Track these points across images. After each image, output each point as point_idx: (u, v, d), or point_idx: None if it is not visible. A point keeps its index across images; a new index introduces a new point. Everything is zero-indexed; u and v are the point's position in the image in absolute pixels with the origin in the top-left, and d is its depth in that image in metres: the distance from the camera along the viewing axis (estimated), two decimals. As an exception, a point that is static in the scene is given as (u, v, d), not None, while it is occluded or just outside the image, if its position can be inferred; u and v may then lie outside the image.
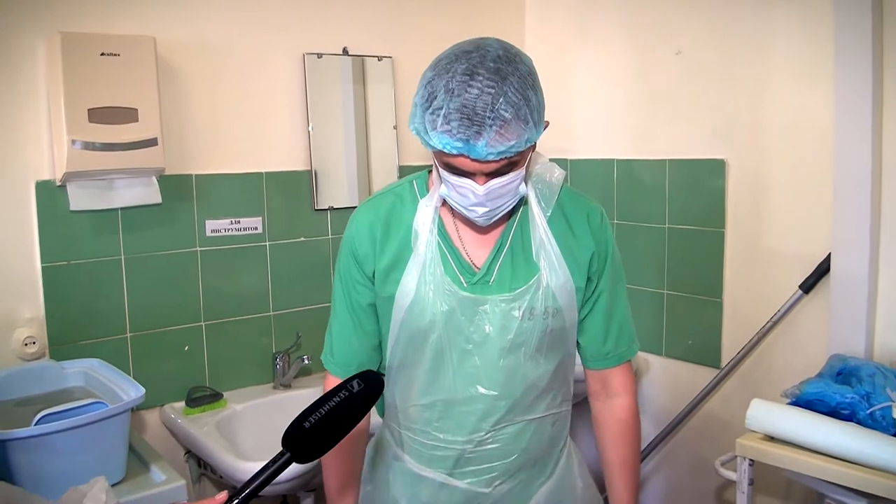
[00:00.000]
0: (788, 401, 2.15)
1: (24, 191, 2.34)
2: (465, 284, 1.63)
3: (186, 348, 2.66)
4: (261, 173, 2.78)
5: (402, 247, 1.66)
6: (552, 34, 3.42)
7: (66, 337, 2.41)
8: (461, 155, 1.44)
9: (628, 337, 1.78)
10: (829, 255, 2.49)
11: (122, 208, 2.48)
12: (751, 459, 2.11)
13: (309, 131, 2.87)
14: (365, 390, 1.28)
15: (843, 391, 2.06)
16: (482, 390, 1.64)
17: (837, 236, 2.44)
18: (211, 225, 2.68)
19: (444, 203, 1.65)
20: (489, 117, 1.40)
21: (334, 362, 1.76)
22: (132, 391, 2.04)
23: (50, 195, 2.36)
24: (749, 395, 2.27)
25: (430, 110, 1.44)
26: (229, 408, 2.63)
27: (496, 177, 1.49)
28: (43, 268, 2.37)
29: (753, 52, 2.70)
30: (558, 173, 1.72)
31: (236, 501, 1.15)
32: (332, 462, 1.77)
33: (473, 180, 1.49)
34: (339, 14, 2.93)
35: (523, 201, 1.67)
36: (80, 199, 2.38)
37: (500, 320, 1.62)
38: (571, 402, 1.82)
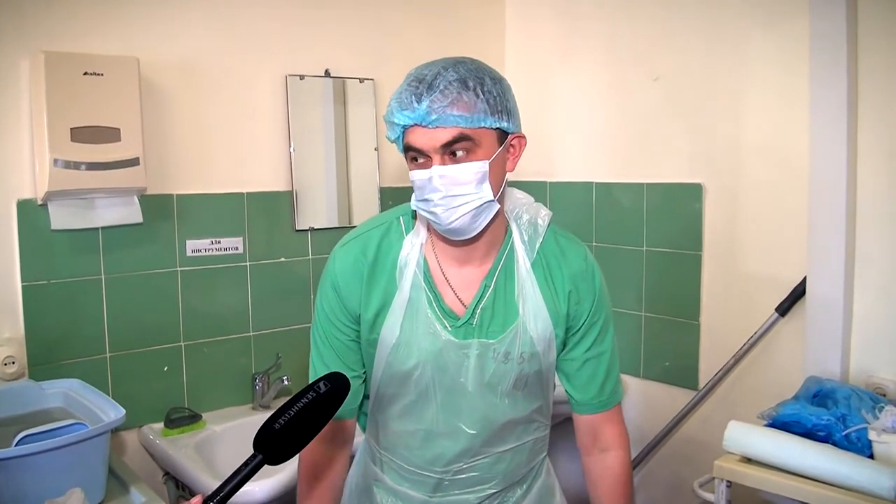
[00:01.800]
0: (765, 422, 2.17)
1: (5, 209, 2.33)
2: (448, 328, 1.62)
3: (166, 369, 2.65)
4: (242, 193, 2.79)
5: (389, 289, 1.63)
6: (533, 58, 3.45)
7: (45, 357, 2.40)
8: (414, 125, 1.48)
9: (614, 381, 1.75)
10: (805, 278, 2.52)
11: (103, 228, 2.48)
12: (728, 481, 2.12)
13: (290, 152, 2.88)
14: (332, 391, 1.29)
15: (819, 413, 2.09)
16: (464, 428, 1.65)
17: (813, 260, 2.48)
18: (192, 245, 2.68)
19: (429, 240, 1.65)
20: (434, 80, 1.46)
21: None
22: (112, 412, 2.02)
23: (31, 214, 2.35)
24: (726, 416, 2.29)
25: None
26: (208, 429, 2.62)
27: (452, 160, 1.48)
28: (23, 287, 2.36)
29: (731, 78, 2.74)
30: (545, 214, 1.71)
31: None
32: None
33: (430, 166, 1.49)
34: (321, 36, 2.95)
35: (509, 240, 1.66)
36: (62, 218, 2.38)
37: (480, 363, 1.62)
38: (550, 424, 1.82)
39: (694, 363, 2.93)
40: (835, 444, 2.02)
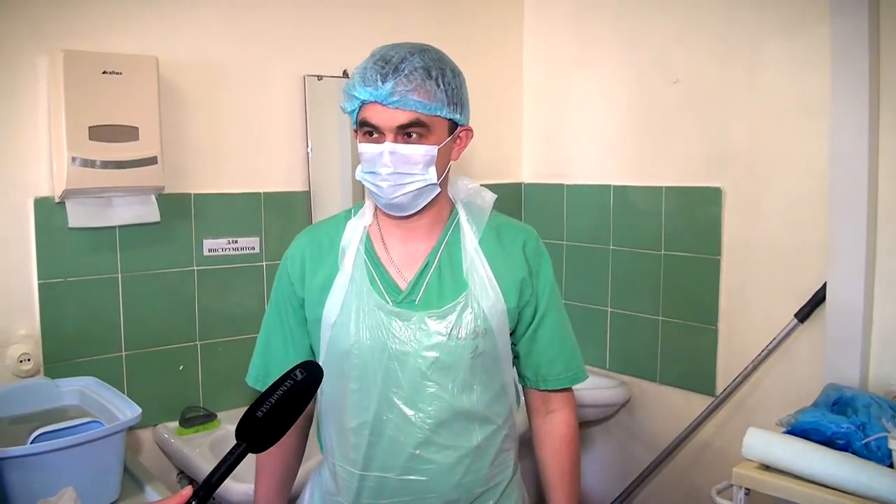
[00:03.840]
0: (784, 430, 2.16)
1: (23, 207, 2.34)
2: (389, 303, 1.62)
3: (181, 368, 2.66)
4: (259, 193, 2.79)
5: (332, 269, 1.67)
6: (551, 61, 3.44)
7: (61, 354, 2.40)
8: (372, 102, 1.55)
9: (579, 360, 1.79)
10: (825, 284, 2.50)
11: (120, 226, 2.48)
12: (747, 488, 2.10)
13: (307, 152, 2.88)
14: (308, 378, 1.32)
15: (838, 421, 2.07)
16: (406, 410, 1.61)
17: (833, 266, 2.46)
18: (208, 244, 2.68)
19: (374, 222, 1.72)
20: (401, 63, 1.54)
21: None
22: (128, 411, 2.02)
23: (48, 212, 2.36)
24: (744, 423, 2.28)
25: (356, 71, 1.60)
26: (223, 428, 2.62)
27: (405, 141, 1.55)
28: (39, 284, 2.36)
29: (750, 81, 2.72)
30: (489, 197, 1.77)
31: (201, 495, 1.19)
32: (266, 459, 1.79)
33: (382, 142, 1.55)
34: (339, 36, 2.95)
35: (454, 219, 1.71)
36: (79, 216, 2.38)
37: (425, 339, 1.60)
38: (516, 441, 1.79)
39: (711, 369, 2.91)
40: (854, 452, 2.01)
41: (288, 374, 1.31)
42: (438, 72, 1.56)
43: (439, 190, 1.63)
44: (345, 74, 2.94)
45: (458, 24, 3.27)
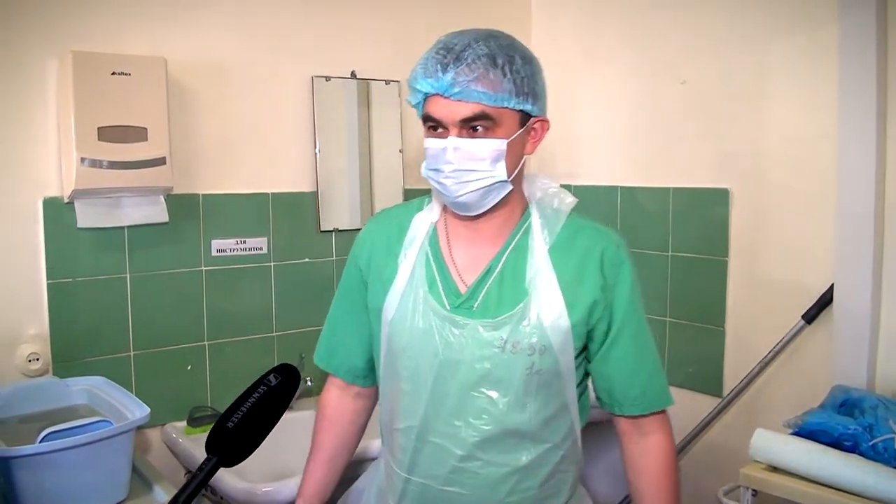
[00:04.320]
0: (791, 431, 2.15)
1: (32, 207, 2.35)
2: (447, 306, 1.55)
3: (189, 367, 2.66)
4: (267, 194, 2.80)
5: (396, 262, 1.63)
6: (558, 62, 3.43)
7: (69, 354, 2.41)
8: (434, 95, 1.47)
9: (658, 384, 1.64)
10: (832, 285, 2.49)
11: (128, 227, 2.49)
12: (754, 489, 2.10)
13: (315, 153, 2.88)
14: (283, 383, 1.27)
15: (845, 422, 2.07)
16: (453, 421, 1.54)
17: (840, 267, 2.45)
18: (217, 245, 2.69)
19: (441, 219, 1.64)
20: (463, 52, 1.46)
21: (335, 364, 1.77)
22: (137, 410, 2.02)
23: (57, 212, 2.37)
24: (751, 424, 2.27)
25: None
26: (230, 428, 2.61)
27: (470, 135, 1.47)
28: (48, 284, 2.37)
29: (758, 82, 2.71)
30: (568, 200, 1.66)
31: None
32: (322, 437, 1.79)
33: (447, 136, 1.47)
34: (347, 38, 2.95)
35: (525, 222, 1.61)
36: (88, 216, 2.39)
37: (477, 349, 1.52)
38: (579, 464, 1.68)
39: (718, 370, 2.91)
40: (861, 454, 2.00)
41: (261, 380, 1.26)
42: (506, 59, 1.47)
43: (511, 188, 1.53)
44: (353, 75, 2.95)
45: (466, 26, 3.25)
